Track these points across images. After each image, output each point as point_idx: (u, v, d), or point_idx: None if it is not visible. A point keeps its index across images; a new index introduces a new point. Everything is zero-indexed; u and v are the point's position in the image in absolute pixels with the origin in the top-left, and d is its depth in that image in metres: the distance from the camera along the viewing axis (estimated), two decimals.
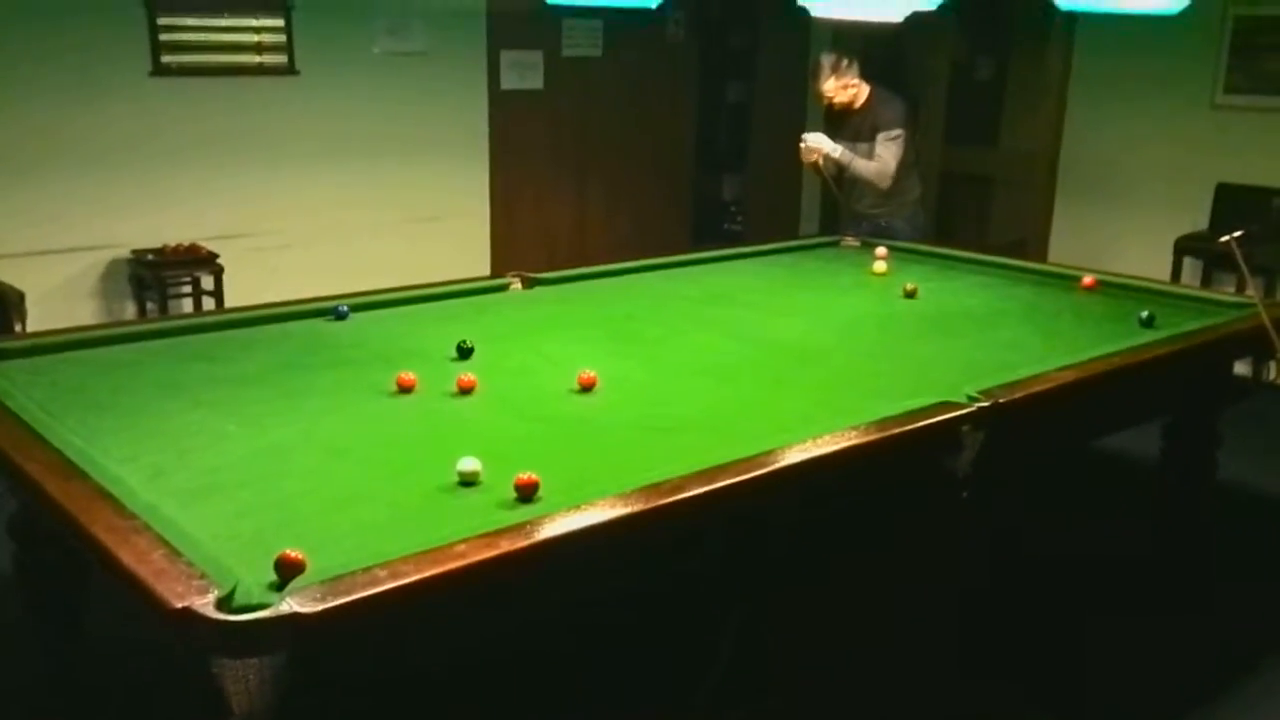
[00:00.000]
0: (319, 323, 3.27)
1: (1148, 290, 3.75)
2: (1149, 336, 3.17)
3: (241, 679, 1.56)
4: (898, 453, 2.32)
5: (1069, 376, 2.71)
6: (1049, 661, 3.07)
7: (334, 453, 2.27)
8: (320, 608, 1.56)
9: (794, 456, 2.15)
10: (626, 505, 1.93)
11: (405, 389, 2.63)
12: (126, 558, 1.69)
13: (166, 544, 1.75)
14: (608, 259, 4.26)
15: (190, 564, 1.69)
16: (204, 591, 1.60)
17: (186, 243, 5.07)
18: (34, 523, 2.60)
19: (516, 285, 3.77)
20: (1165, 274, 5.45)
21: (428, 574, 1.67)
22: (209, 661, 1.56)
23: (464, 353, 2.91)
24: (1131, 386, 2.90)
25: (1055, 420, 2.75)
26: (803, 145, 4.63)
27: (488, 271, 6.11)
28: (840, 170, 4.67)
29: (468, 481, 2.09)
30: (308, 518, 1.96)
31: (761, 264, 4.28)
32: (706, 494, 1.98)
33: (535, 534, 1.81)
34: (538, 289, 3.76)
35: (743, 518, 2.10)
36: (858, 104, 4.59)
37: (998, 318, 3.47)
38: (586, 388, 2.66)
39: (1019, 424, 2.57)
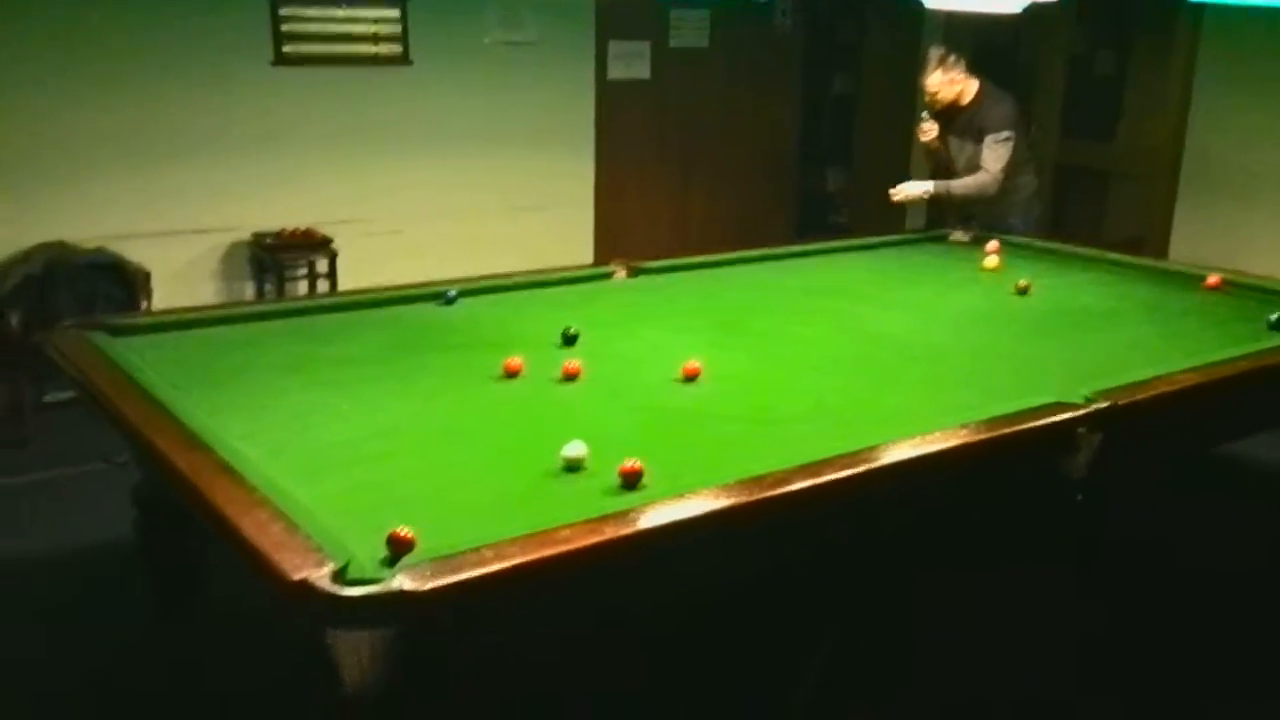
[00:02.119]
0: (429, 307, 3.33)
1: (1277, 292, 3.59)
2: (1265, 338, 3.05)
3: (353, 651, 1.61)
4: (1010, 453, 2.27)
5: (1192, 379, 2.62)
6: (1165, 679, 2.97)
7: (443, 434, 2.32)
8: (429, 585, 1.60)
9: (902, 453, 2.12)
10: (730, 497, 1.93)
11: (512, 374, 2.67)
12: (248, 529, 1.76)
13: (285, 517, 1.81)
14: (710, 249, 4.25)
15: (308, 537, 1.74)
16: (320, 564, 1.65)
17: (303, 227, 5.21)
18: (158, 492, 2.71)
19: (621, 273, 3.79)
20: None
21: (533, 557, 1.69)
22: (323, 632, 1.62)
23: (569, 339, 2.94)
24: (1259, 391, 2.79)
25: (1176, 425, 2.66)
26: (892, 194, 4.57)
27: (591, 259, 6.16)
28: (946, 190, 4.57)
29: (573, 467, 2.11)
30: (418, 497, 2.00)
31: (868, 258, 4.22)
32: (811, 488, 1.97)
33: (639, 521, 1.82)
34: (642, 277, 3.77)
35: (845, 515, 2.08)
36: (964, 101, 4.49)
37: (1116, 316, 3.37)
38: (691, 377, 2.66)
39: (1138, 427, 2.49)
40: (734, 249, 4.21)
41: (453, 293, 3.38)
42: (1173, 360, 2.78)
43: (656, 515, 1.86)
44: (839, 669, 2.27)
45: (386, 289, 3.48)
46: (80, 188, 4.76)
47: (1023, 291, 3.59)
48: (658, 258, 3.95)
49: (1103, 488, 2.51)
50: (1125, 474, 2.56)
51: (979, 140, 4.42)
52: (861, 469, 2.05)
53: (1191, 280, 3.76)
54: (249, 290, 5.24)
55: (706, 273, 3.89)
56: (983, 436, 2.22)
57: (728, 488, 1.95)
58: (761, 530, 1.99)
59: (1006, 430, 2.26)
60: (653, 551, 1.82)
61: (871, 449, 2.14)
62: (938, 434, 2.21)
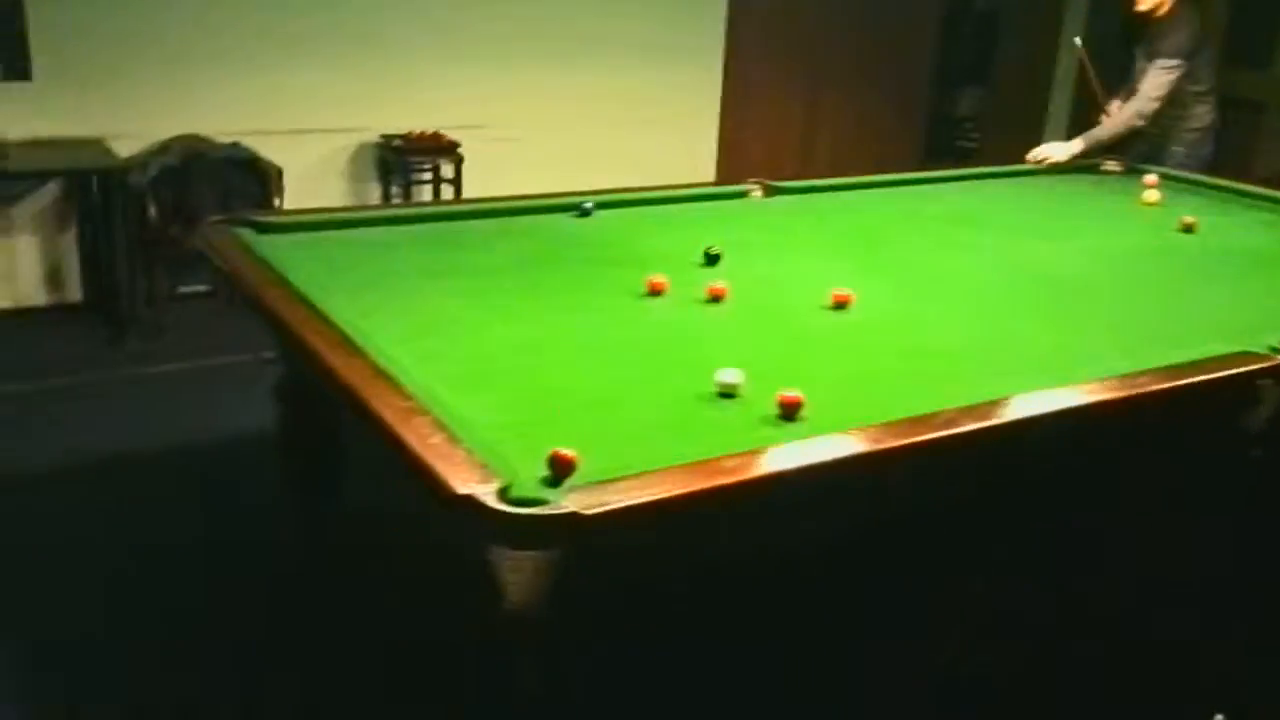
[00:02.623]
0: (564, 218, 3.28)
1: None
2: None
3: (517, 570, 1.59)
4: (1190, 403, 2.15)
5: None
6: None
7: (589, 351, 2.28)
8: (599, 509, 1.57)
9: (1078, 398, 2.02)
10: (897, 436, 1.85)
11: (655, 292, 2.62)
12: (411, 438, 1.74)
13: (445, 428, 1.79)
14: (835, 171, 4.11)
15: (470, 451, 1.72)
16: (486, 480, 1.63)
17: (430, 130, 5.19)
18: (302, 389, 2.74)
19: (757, 193, 3.69)
20: None
21: (699, 487, 1.65)
22: (486, 549, 1.60)
23: (711, 259, 2.87)
24: None
25: None
26: (1031, 157, 4.33)
27: (713, 177, 6.05)
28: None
29: (727, 393, 2.05)
30: (571, 415, 1.97)
31: (1013, 186, 4.05)
32: (982, 430, 1.89)
33: (808, 455, 1.76)
34: (778, 198, 3.67)
35: (1006, 460, 1.99)
36: (1160, 12, 4.20)
37: None
38: (840, 305, 2.58)
39: None
40: (859, 172, 4.07)
41: (589, 204, 3.32)
42: None
43: (824, 449, 1.79)
44: (986, 620, 2.21)
45: (521, 198, 3.43)
46: (216, 82, 4.79)
47: (1188, 229, 3.40)
48: (785, 178, 3.84)
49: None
50: None
51: (1151, 61, 4.17)
52: (1035, 413, 1.95)
53: None
54: (375, 192, 5.26)
55: (844, 195, 3.77)
56: (1163, 386, 2.10)
57: (894, 426, 1.88)
58: (921, 470, 1.92)
59: (1189, 380, 2.13)
60: (816, 485, 1.77)
61: (1046, 391, 2.04)
62: (1115, 380, 2.10)
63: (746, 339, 2.38)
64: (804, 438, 1.84)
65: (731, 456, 1.73)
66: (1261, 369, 2.23)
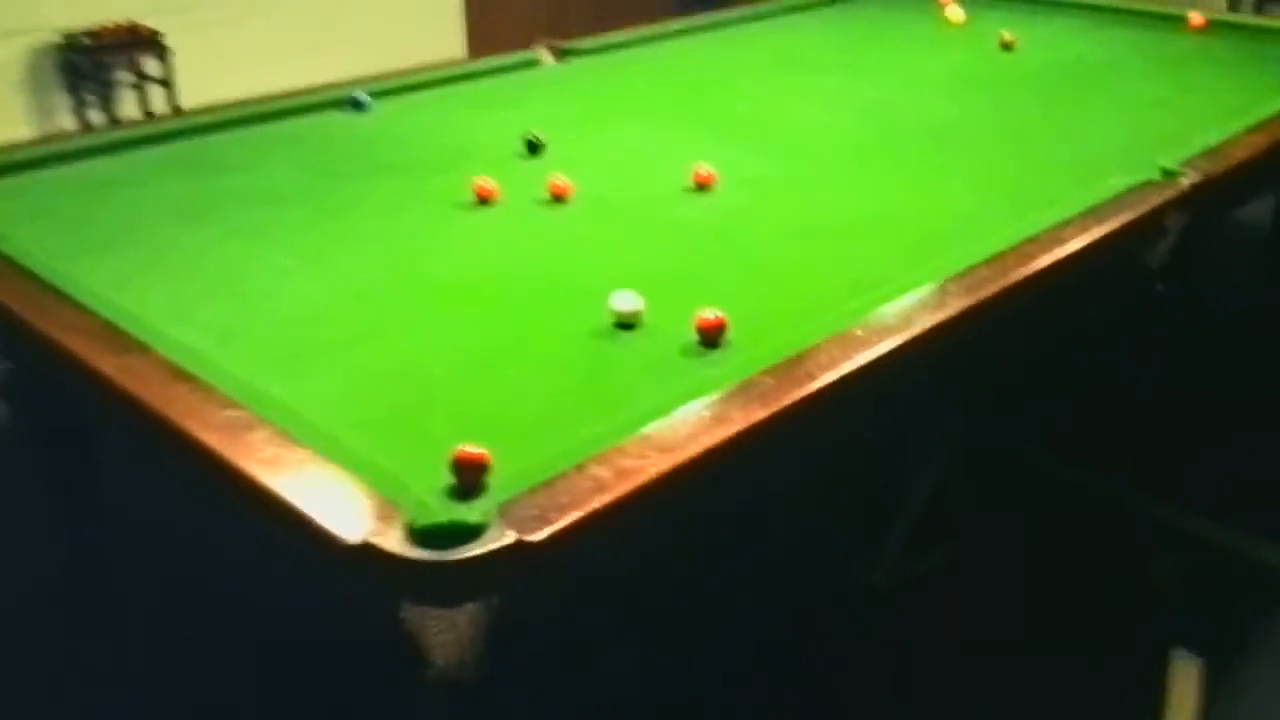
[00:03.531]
0: (335, 116, 2.71)
1: (1266, 29, 3.31)
2: None
3: (443, 629, 1.17)
4: (1119, 247, 1.92)
5: (1261, 141, 2.30)
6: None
7: (434, 290, 1.81)
8: (548, 531, 1.16)
9: (1042, 258, 1.75)
10: (870, 344, 1.51)
11: (485, 199, 2.15)
12: (252, 468, 1.26)
13: (294, 440, 1.32)
14: (595, 25, 3.65)
15: (341, 469, 1.26)
16: (383, 515, 1.18)
17: (124, 21, 4.32)
18: (40, 389, 2.13)
19: (548, 58, 3.20)
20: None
21: (664, 468, 1.26)
22: (397, 608, 1.17)
23: (534, 147, 2.41)
24: None
25: (1235, 196, 2.37)
26: None
27: (463, 46, 5.44)
28: None
29: (626, 323, 1.65)
30: (448, 386, 1.51)
31: (810, 20, 3.71)
32: (976, 307, 1.60)
33: (783, 396, 1.40)
34: (574, 61, 3.20)
35: (974, 341, 1.70)
36: None
37: (1123, 70, 3.01)
38: (704, 185, 2.20)
39: (1214, 203, 2.18)
40: (618, 23, 3.62)
41: (364, 96, 2.76)
42: (1217, 119, 2.46)
43: (798, 383, 1.43)
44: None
45: (276, 96, 2.82)
46: None
47: (1007, 47, 3.20)
48: (546, 38, 3.34)
49: (1181, 276, 2.23)
50: (1196, 257, 2.27)
51: None
52: (1008, 283, 1.67)
53: (1173, 22, 3.43)
54: (65, 105, 4.37)
55: (647, 50, 3.33)
56: (1105, 231, 1.86)
57: (863, 334, 1.53)
58: (903, 377, 1.60)
59: (1121, 221, 1.90)
60: (793, 428, 1.41)
61: (1006, 258, 1.75)
62: (1070, 229, 1.84)
63: (614, 246, 1.97)
64: (741, 366, 1.48)
65: (687, 419, 1.35)
66: (1173, 197, 2.04)
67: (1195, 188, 2.06)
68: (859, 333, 1.55)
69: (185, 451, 1.34)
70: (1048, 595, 2.31)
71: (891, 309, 1.60)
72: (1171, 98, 2.74)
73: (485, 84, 2.99)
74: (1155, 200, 2.00)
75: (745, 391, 1.40)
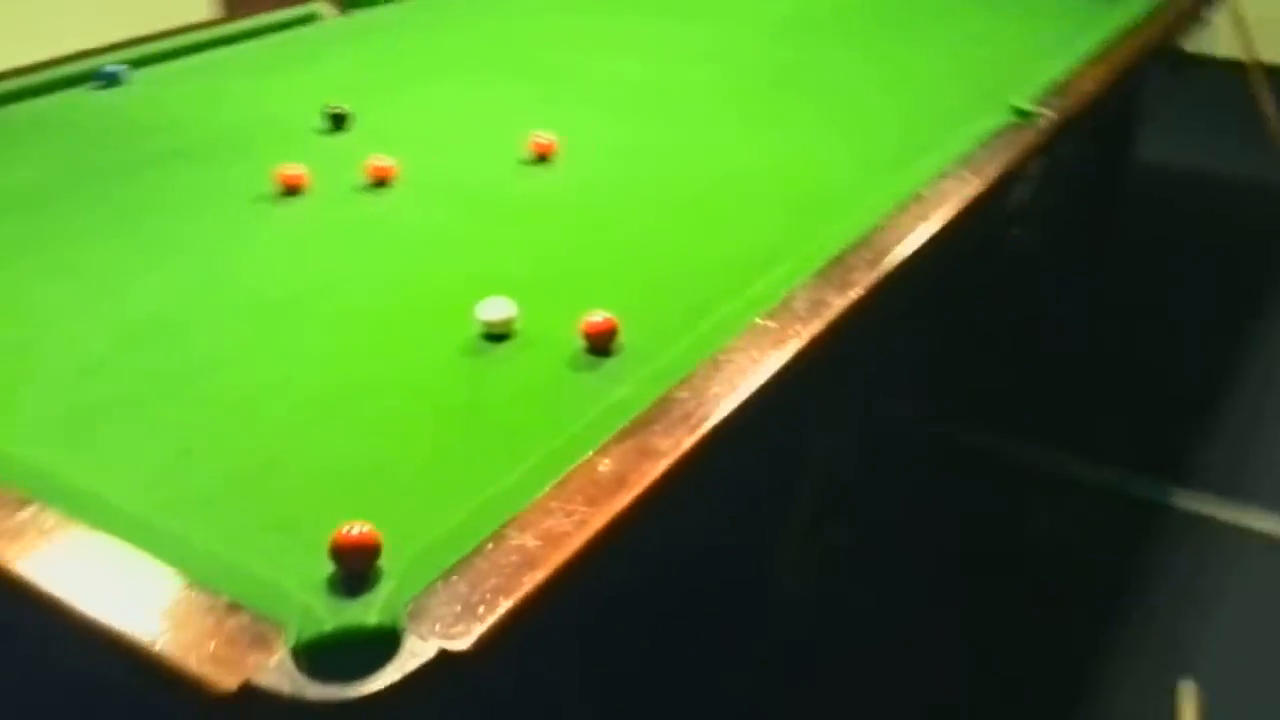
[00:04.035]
0: (80, 95, 2.30)
1: None
2: (1100, 13, 2.74)
3: None
4: (993, 198, 1.82)
5: (1104, 74, 2.26)
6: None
7: (256, 311, 1.49)
8: (478, 632, 0.93)
9: (933, 216, 1.61)
10: (785, 338, 1.33)
11: (293, 189, 1.83)
12: (65, 593, 0.96)
13: (115, 544, 1.02)
14: None
15: (183, 579, 0.98)
16: (259, 641, 0.92)
17: None
18: None
19: (329, 10, 2.85)
20: None
21: (599, 525, 1.04)
22: None
23: (337, 119, 2.10)
24: (1134, 76, 2.51)
25: (1080, 131, 2.32)
26: None
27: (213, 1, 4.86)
28: None
29: (498, 334, 1.42)
30: (295, 437, 1.23)
31: None
32: (883, 280, 1.44)
33: (703, 413, 1.20)
34: (359, 14, 2.87)
35: (876, 315, 1.55)
36: None
37: (944, 3, 2.93)
38: (545, 155, 1.95)
39: (1066, 140, 2.13)
40: None
41: (115, 68, 2.35)
42: (1046, 50, 2.41)
43: (718, 395, 1.23)
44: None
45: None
46: None
47: None
48: None
49: (1034, 220, 2.18)
50: (1048, 201, 2.21)
51: None
52: (909, 250, 1.52)
53: None
54: None
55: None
56: (990, 178, 1.74)
57: (781, 326, 1.35)
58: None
59: (1000, 167, 1.79)
60: (723, 449, 1.22)
61: (899, 219, 1.61)
62: (950, 183, 1.71)
63: (459, 238, 1.70)
64: (648, 379, 1.28)
65: (599, 452, 1.13)
66: (1041, 138, 1.95)
67: (1055, 127, 1.99)
68: (769, 324, 1.37)
69: None
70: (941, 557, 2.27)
71: (800, 295, 1.43)
72: (997, 30, 2.68)
73: (258, 46, 2.63)
74: (1023, 144, 1.91)
75: (665, 413, 1.20)
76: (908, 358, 2.21)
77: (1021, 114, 2.03)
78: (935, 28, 2.71)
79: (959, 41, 2.59)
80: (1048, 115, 2.01)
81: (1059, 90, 2.14)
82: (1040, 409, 2.70)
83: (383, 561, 1.01)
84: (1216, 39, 3.88)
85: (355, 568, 1.01)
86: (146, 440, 1.22)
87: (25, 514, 1.06)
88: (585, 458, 1.13)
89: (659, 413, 1.20)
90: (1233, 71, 3.91)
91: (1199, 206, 3.81)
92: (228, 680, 0.88)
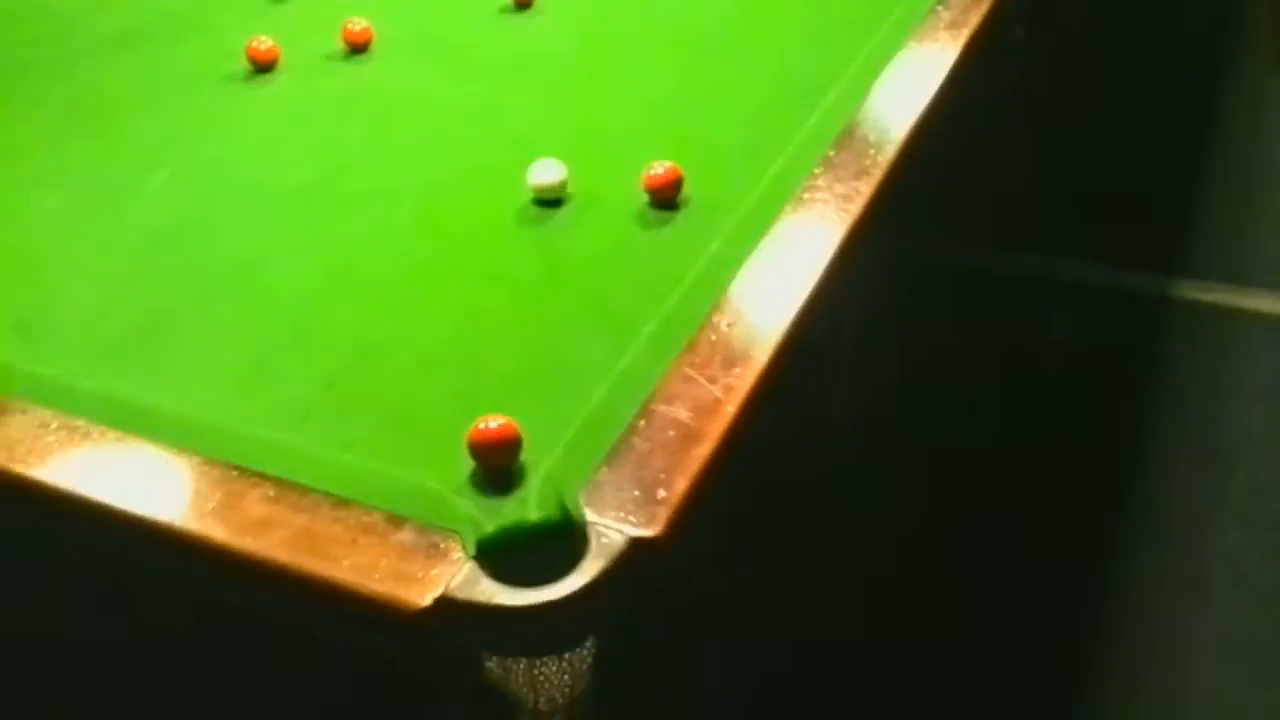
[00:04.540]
0: None
1: None
2: None
3: (554, 672, 0.89)
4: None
5: None
6: None
7: (277, 199, 1.36)
8: (664, 516, 0.88)
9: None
10: (866, 168, 1.26)
11: (264, 65, 1.66)
12: (215, 529, 0.88)
13: (244, 471, 0.94)
14: None
15: (327, 499, 0.91)
16: (433, 551, 0.85)
17: None
18: None
19: None
20: None
21: (749, 382, 0.99)
22: (479, 661, 0.87)
23: None
24: None
25: None
26: None
27: None
28: None
29: (550, 199, 1.32)
30: (378, 329, 1.14)
31: None
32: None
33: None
34: None
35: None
36: None
37: None
38: (524, 4, 1.81)
39: None
40: None
41: None
42: None
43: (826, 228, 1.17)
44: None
45: None
46: None
47: None
48: None
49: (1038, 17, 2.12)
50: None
51: None
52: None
53: None
54: None
55: None
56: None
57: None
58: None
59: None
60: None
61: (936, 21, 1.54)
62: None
63: (466, 99, 1.57)
64: (738, 223, 1.21)
65: (744, 291, 1.07)
66: None
67: None
68: (842, 155, 1.30)
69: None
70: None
71: (861, 122, 1.36)
72: None
73: None
74: None
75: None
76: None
77: None
78: None
79: None
80: None
81: None
82: (1026, 218, 2.70)
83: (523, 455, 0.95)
84: None
85: (500, 463, 0.95)
86: (214, 352, 1.12)
87: (118, 443, 0.97)
88: (705, 317, 1.07)
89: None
90: None
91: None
92: (417, 596, 0.82)
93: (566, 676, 0.88)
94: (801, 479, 1.61)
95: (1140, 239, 2.64)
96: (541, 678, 0.88)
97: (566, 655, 0.86)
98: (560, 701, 0.90)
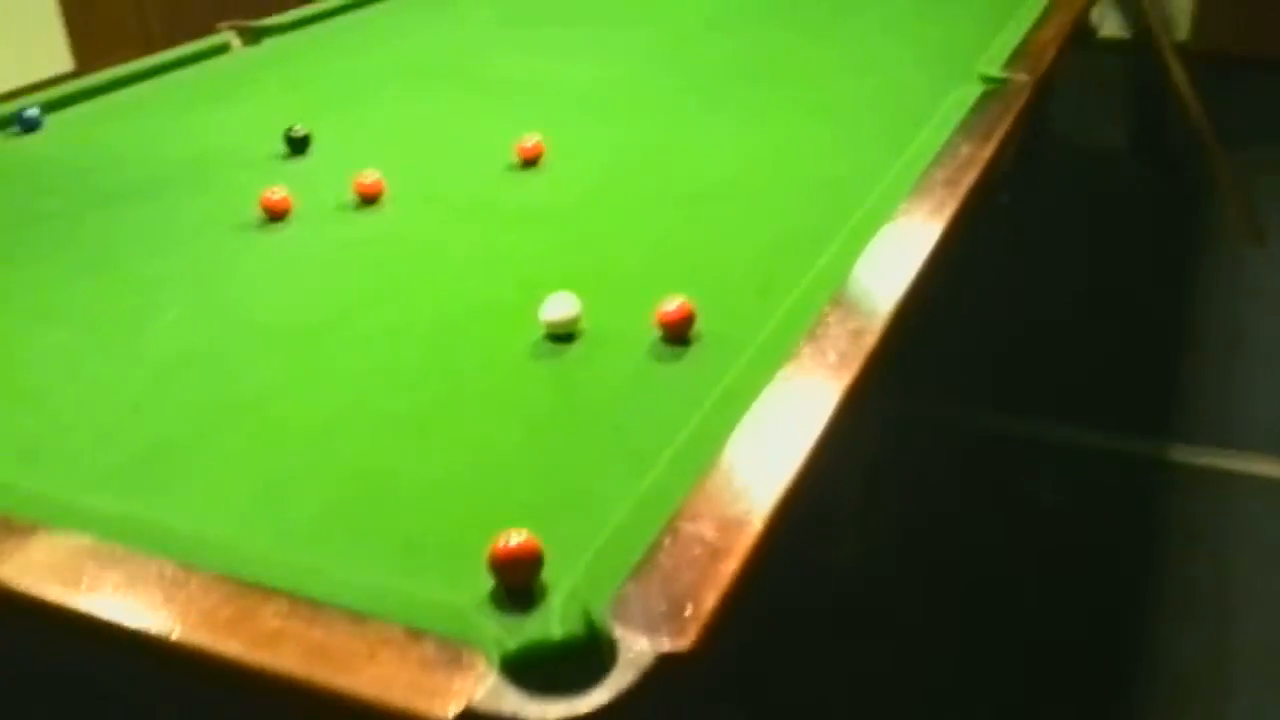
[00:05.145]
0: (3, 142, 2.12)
1: None
2: None
3: None
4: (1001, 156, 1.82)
5: (1053, 36, 2.30)
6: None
7: (286, 337, 1.36)
8: (693, 631, 0.85)
9: (970, 170, 1.61)
10: (875, 310, 1.29)
11: (278, 215, 1.70)
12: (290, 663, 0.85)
13: (302, 605, 0.91)
14: (209, 17, 3.08)
15: (343, 613, 0.88)
16: (456, 664, 0.82)
17: None
18: None
19: (236, 43, 2.71)
20: None
21: (770, 503, 0.98)
22: None
23: (298, 144, 1.98)
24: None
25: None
26: None
27: (67, 54, 4.59)
28: None
29: (562, 334, 1.34)
30: (389, 457, 1.13)
31: None
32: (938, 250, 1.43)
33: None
34: (268, 43, 2.72)
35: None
36: None
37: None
38: (531, 161, 1.88)
39: (1042, 101, 2.16)
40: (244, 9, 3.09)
41: (32, 111, 2.17)
42: (988, 22, 2.46)
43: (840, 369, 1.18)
44: None
45: None
46: None
47: None
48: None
49: (1020, 182, 2.21)
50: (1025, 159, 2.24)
51: None
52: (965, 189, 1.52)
53: None
54: None
55: (346, 21, 2.89)
56: (1000, 137, 1.75)
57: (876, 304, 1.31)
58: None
59: (1006, 126, 1.80)
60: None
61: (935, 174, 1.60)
62: (968, 146, 1.71)
63: (479, 248, 1.61)
64: (750, 357, 1.22)
65: (767, 423, 1.07)
66: (1020, 104, 1.97)
67: (1030, 87, 2.02)
68: (850, 302, 1.33)
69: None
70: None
71: (861, 274, 1.39)
72: (932, 10, 2.72)
73: (176, 81, 2.46)
74: (1013, 104, 1.93)
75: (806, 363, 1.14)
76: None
77: (993, 80, 2.06)
78: (861, 15, 2.74)
79: (902, 22, 2.62)
80: (1020, 78, 2.04)
81: (1021, 55, 2.18)
82: (1013, 380, 2.74)
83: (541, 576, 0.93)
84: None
85: (522, 579, 0.92)
86: (223, 478, 1.10)
87: (152, 568, 0.94)
88: (721, 439, 1.06)
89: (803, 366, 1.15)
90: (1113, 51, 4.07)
91: (1098, 180, 3.96)
92: (441, 709, 0.79)
93: None
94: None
95: (1130, 404, 2.68)
96: None
97: None
98: None
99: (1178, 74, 3.33)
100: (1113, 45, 3.88)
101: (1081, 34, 2.92)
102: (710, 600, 0.88)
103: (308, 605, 0.89)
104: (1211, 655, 2.00)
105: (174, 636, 0.87)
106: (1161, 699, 1.91)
